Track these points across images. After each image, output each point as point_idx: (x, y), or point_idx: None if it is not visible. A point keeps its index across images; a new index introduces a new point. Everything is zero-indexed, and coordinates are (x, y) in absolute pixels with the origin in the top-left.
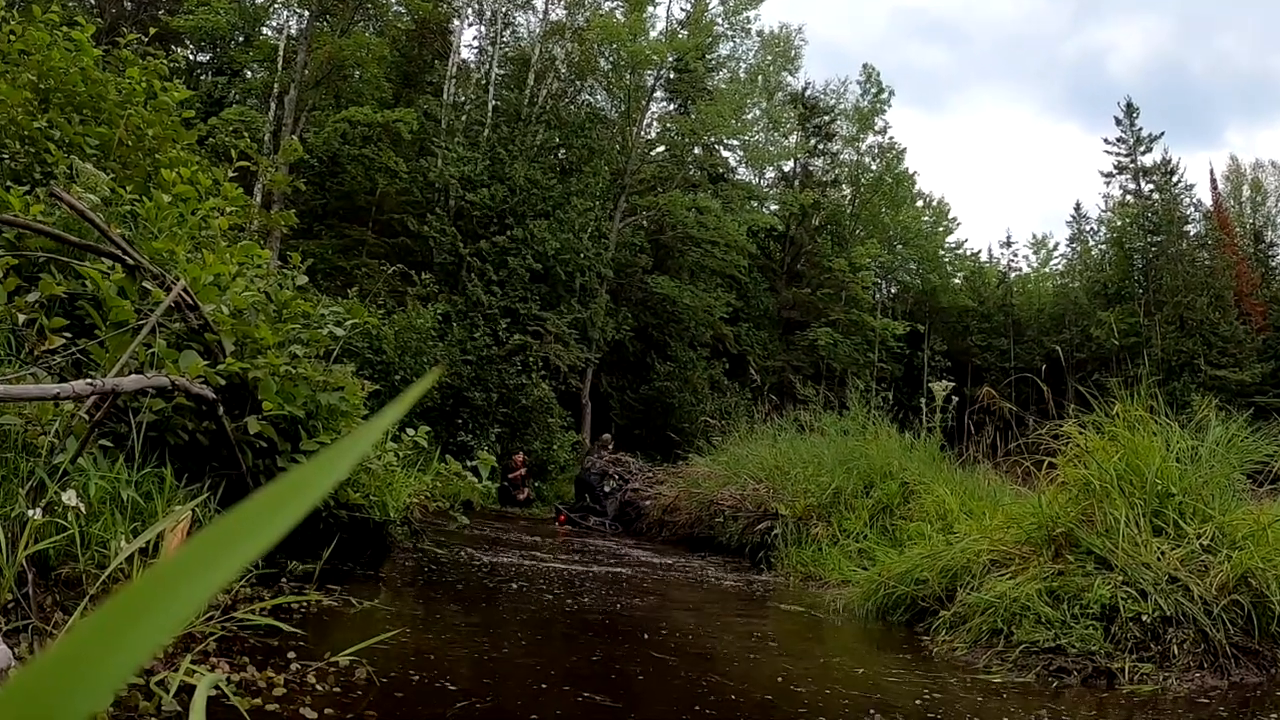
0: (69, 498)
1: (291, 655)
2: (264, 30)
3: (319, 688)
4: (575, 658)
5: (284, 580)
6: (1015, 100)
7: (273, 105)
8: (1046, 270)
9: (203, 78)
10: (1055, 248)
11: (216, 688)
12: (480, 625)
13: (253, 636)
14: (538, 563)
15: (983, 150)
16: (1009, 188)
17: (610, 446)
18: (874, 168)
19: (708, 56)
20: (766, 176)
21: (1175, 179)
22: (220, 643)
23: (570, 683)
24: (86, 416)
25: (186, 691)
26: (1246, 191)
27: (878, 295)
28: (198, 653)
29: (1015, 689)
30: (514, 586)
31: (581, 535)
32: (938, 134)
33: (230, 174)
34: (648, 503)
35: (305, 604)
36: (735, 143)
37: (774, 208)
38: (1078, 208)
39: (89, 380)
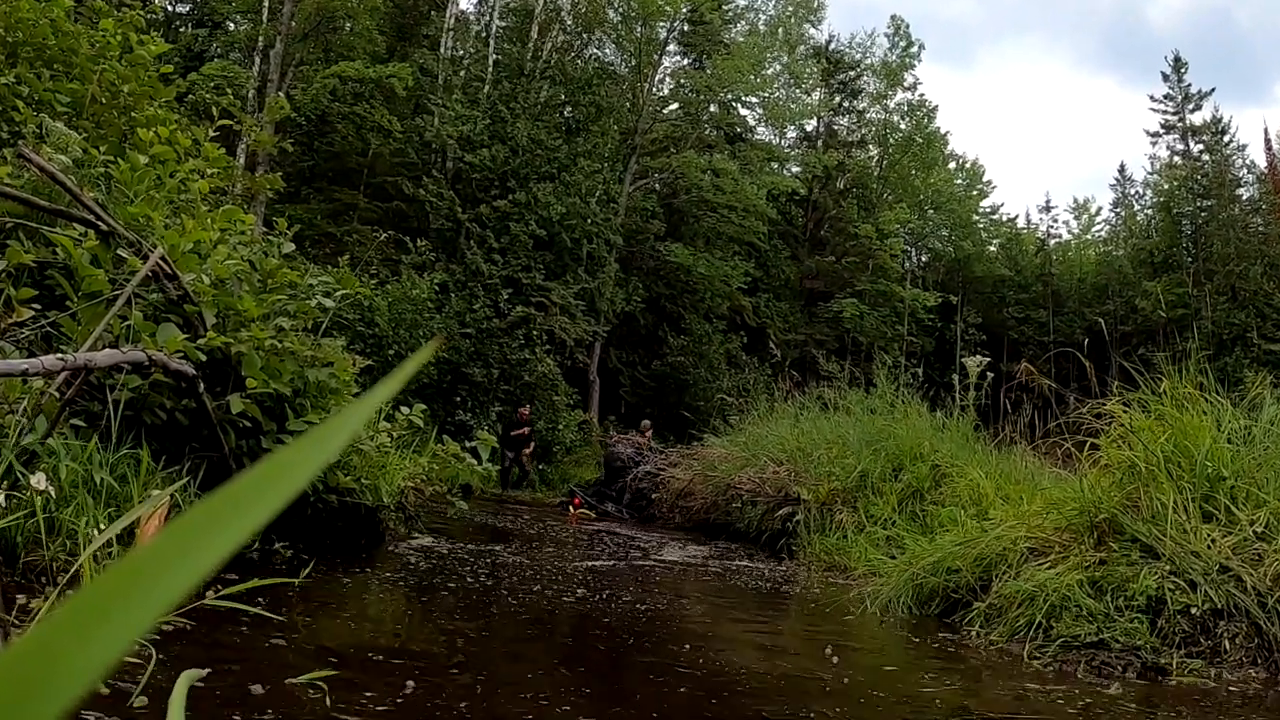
0: (38, 481)
1: (236, 666)
2: None
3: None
4: (578, 673)
5: (269, 565)
6: (1048, 53)
7: (257, 60)
8: (1088, 237)
9: (182, 30)
10: (1098, 213)
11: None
12: (473, 636)
13: (211, 631)
14: (541, 554)
15: (1016, 107)
16: (1046, 148)
17: (649, 434)
18: (903, 127)
19: (724, 7)
20: (788, 136)
21: (1226, 139)
22: (176, 634)
23: (569, 705)
24: (57, 394)
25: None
26: None
27: (907, 264)
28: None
29: (1060, 688)
30: (514, 582)
31: (591, 523)
32: (968, 90)
33: (211, 133)
34: (655, 495)
35: (285, 597)
36: (754, 100)
37: (796, 170)
38: (1122, 170)
39: (60, 355)
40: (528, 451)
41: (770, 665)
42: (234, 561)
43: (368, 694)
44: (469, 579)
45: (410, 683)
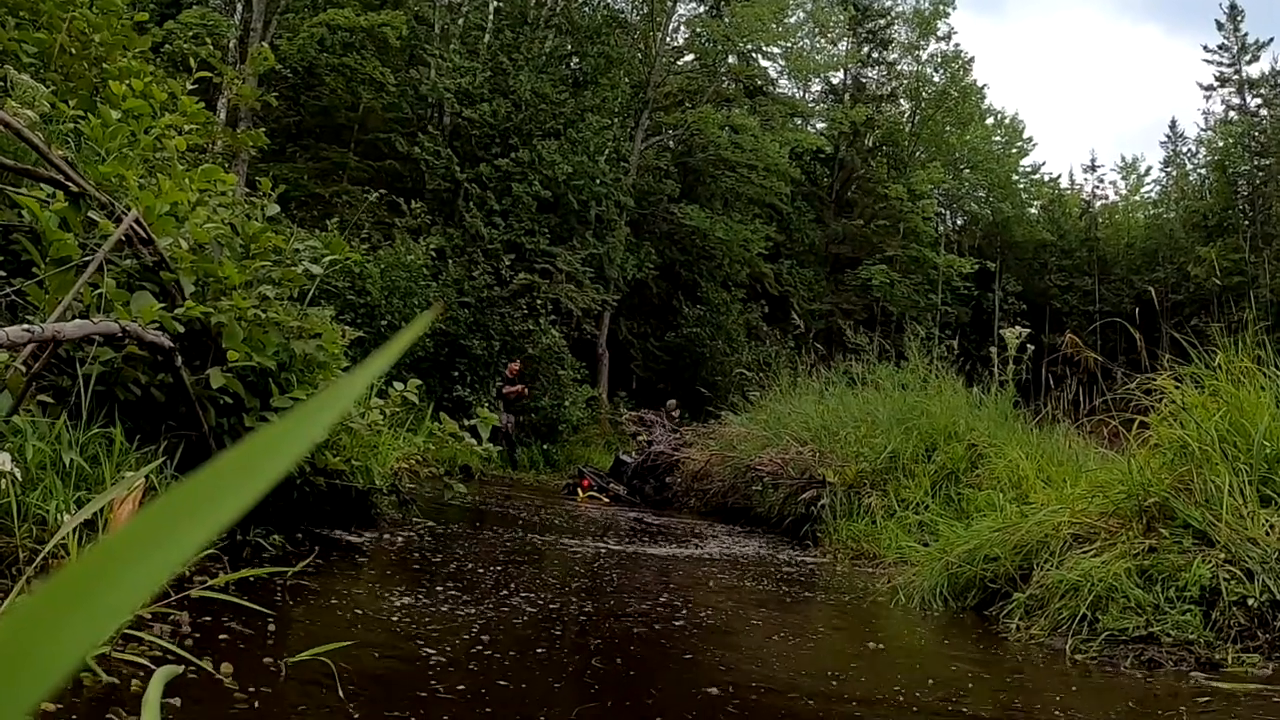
0: (2, 462)
1: (218, 662)
2: None
3: None
4: (586, 674)
5: (257, 554)
6: None
7: (239, 7)
8: (1137, 199)
9: None
10: (1147, 172)
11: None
12: (472, 631)
13: (192, 624)
14: (546, 542)
15: (1057, 59)
16: (1091, 102)
17: (676, 414)
18: (936, 79)
19: None
20: (812, 90)
21: None
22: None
23: (576, 710)
24: (23, 368)
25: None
26: None
27: (941, 227)
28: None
29: (1107, 687)
30: (517, 573)
31: (600, 507)
32: (1005, 40)
33: (189, 86)
34: (670, 477)
35: (273, 588)
36: (776, 50)
37: (821, 126)
38: (1173, 126)
39: (26, 326)
40: (514, 420)
41: (796, 667)
42: (220, 549)
43: (359, 694)
44: (467, 568)
45: (405, 683)
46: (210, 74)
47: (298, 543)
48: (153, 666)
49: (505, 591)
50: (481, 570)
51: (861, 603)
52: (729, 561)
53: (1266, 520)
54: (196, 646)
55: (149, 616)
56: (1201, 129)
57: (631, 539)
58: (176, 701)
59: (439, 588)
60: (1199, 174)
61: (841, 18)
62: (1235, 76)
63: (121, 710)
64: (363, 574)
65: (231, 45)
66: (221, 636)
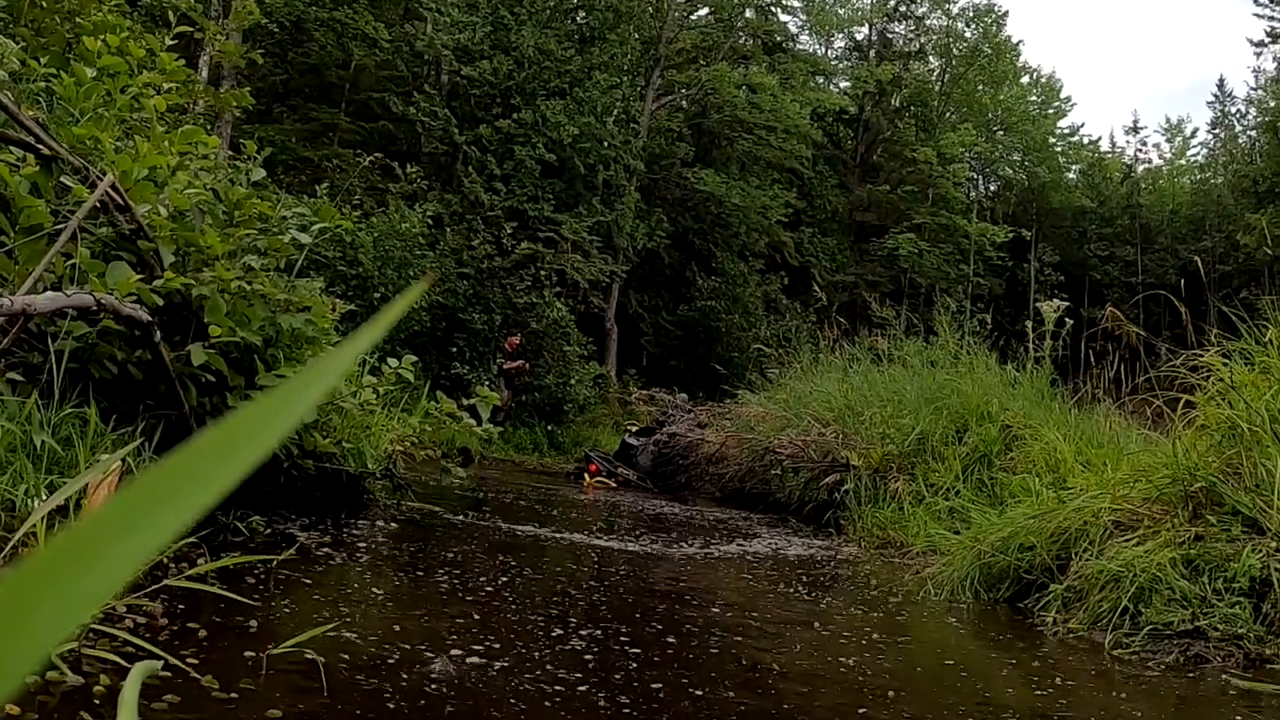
0: None
1: (195, 660)
2: None
3: None
4: (591, 677)
5: (240, 542)
6: None
7: None
8: (1182, 162)
9: None
10: (1193, 134)
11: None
12: (467, 631)
13: (172, 616)
14: (550, 530)
15: (1094, 12)
16: (1133, 59)
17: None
18: (968, 35)
19: None
20: (835, 46)
21: None
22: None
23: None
24: None
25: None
26: None
27: (973, 193)
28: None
29: (1156, 685)
30: (518, 566)
31: (611, 493)
32: None
33: (169, 42)
34: (684, 460)
35: (259, 579)
36: (796, 4)
37: (844, 85)
38: (1221, 85)
39: None
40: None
41: (818, 663)
42: (201, 537)
43: (346, 691)
44: (466, 561)
45: (397, 682)
46: (191, 29)
47: (284, 530)
48: (125, 664)
49: (503, 583)
50: (478, 559)
51: (888, 594)
52: (741, 552)
53: None
54: (173, 641)
55: (123, 609)
56: (1251, 88)
57: (645, 534)
58: (152, 701)
59: (433, 580)
60: (1249, 136)
61: None
62: None
63: (93, 712)
64: (352, 564)
65: None
66: (200, 631)
